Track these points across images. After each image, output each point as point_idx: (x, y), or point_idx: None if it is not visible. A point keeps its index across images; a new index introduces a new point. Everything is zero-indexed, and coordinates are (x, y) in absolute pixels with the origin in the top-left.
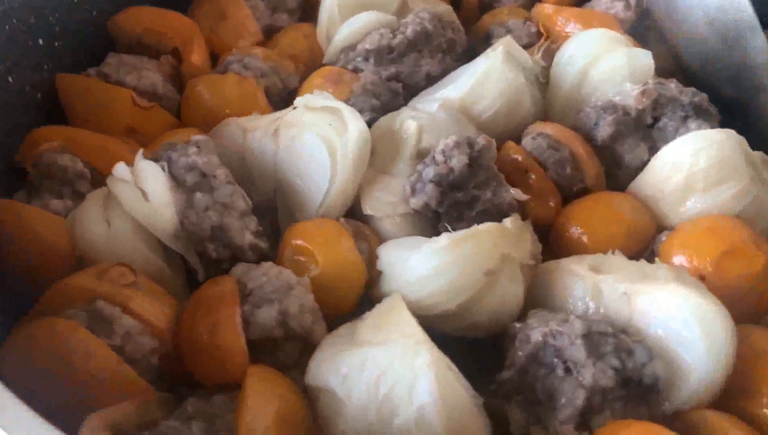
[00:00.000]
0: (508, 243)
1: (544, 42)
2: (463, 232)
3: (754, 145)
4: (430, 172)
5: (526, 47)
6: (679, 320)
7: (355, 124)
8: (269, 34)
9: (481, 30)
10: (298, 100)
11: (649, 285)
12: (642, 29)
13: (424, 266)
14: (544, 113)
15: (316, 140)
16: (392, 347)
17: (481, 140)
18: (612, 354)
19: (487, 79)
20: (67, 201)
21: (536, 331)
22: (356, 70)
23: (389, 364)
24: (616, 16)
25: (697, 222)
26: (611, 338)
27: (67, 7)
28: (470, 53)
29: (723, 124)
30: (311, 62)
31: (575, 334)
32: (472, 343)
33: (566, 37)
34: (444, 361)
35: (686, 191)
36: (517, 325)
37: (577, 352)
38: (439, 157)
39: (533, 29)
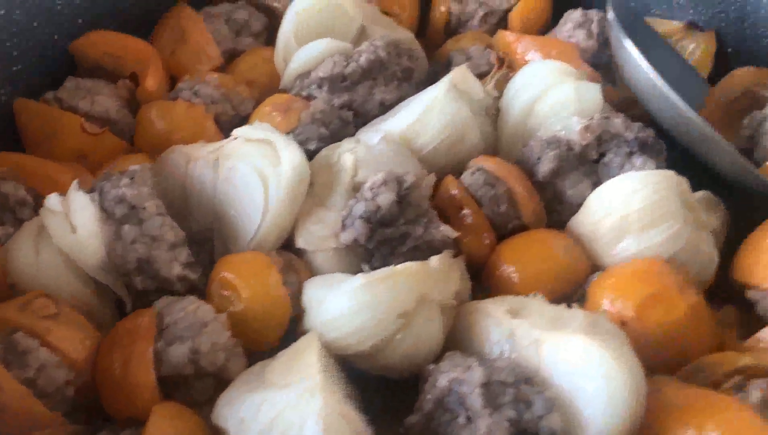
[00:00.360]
0: (428, 283)
1: (496, 72)
2: (379, 273)
3: (703, 183)
4: (359, 208)
5: (484, 75)
6: (581, 372)
7: (288, 158)
8: (232, 57)
9: (444, 55)
10: (237, 131)
11: (558, 333)
12: (605, 58)
13: (338, 307)
14: (495, 145)
15: (251, 172)
16: (289, 392)
17: (410, 178)
18: (509, 405)
19: (429, 112)
20: (9, 228)
21: (444, 375)
22: (310, 97)
23: (282, 409)
24: (577, 45)
25: (625, 265)
26: (511, 389)
27: (26, 32)
28: (432, 79)
29: (677, 158)
30: (270, 86)
31: (475, 383)
32: (396, 382)
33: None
34: (338, 408)
35: (620, 232)
36: (431, 367)
37: (476, 401)
38: (368, 194)
39: (493, 56)
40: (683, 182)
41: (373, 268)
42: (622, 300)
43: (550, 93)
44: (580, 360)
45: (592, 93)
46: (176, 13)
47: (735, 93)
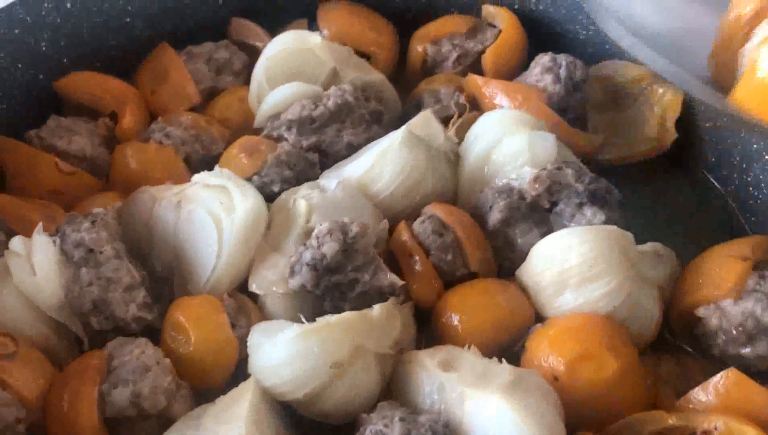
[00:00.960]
0: (365, 333)
1: (457, 119)
2: (314, 324)
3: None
4: (306, 256)
5: (452, 117)
6: (495, 432)
7: (242, 204)
8: (213, 95)
9: (418, 95)
10: (196, 177)
11: (480, 389)
12: (573, 102)
13: (273, 356)
14: (455, 190)
15: (206, 217)
16: None
17: (355, 227)
18: None
19: (385, 158)
20: None
21: (370, 427)
22: (280, 138)
23: None
24: (544, 90)
25: (561, 320)
26: None
27: (10, 72)
28: (405, 119)
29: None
30: (245, 125)
31: None
32: (340, 427)
33: (494, 108)
34: None
35: (559, 286)
36: (364, 416)
37: None
38: (314, 242)
39: (462, 99)
40: (626, 237)
41: (325, 313)
42: (555, 356)
43: (505, 142)
44: (494, 420)
45: (545, 143)
46: (159, 54)
47: None
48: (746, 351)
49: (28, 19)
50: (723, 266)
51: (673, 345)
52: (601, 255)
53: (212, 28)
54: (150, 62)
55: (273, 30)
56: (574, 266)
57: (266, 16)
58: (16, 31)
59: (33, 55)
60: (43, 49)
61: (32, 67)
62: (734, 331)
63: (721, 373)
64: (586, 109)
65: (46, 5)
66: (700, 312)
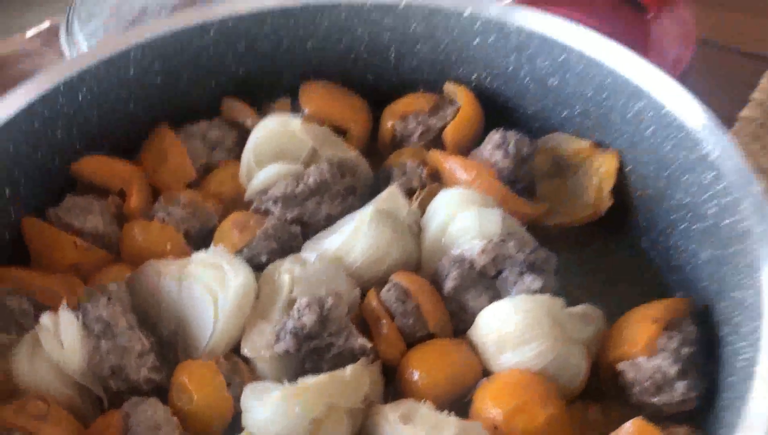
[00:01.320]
0: (338, 392)
1: (420, 193)
2: (295, 387)
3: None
4: (289, 325)
5: (416, 189)
6: None
7: (234, 281)
8: (208, 169)
9: (387, 168)
10: (194, 256)
11: None
12: (522, 173)
13: (262, 414)
14: (419, 258)
15: (203, 291)
16: None
17: (330, 300)
18: None
19: (356, 235)
20: (13, 335)
21: None
22: (267, 211)
23: None
24: (495, 164)
25: (501, 375)
26: None
27: (31, 159)
28: (377, 188)
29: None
30: (237, 198)
31: None
32: None
33: (455, 181)
34: None
35: (500, 347)
36: None
37: None
38: (295, 314)
39: (425, 173)
40: (556, 304)
41: (306, 372)
42: (495, 407)
43: (457, 218)
44: None
45: (492, 218)
46: (158, 135)
47: None
48: (656, 400)
49: (46, 112)
50: (638, 327)
51: (602, 394)
52: (533, 323)
53: (206, 108)
54: (151, 143)
55: (261, 107)
56: (511, 332)
57: (254, 96)
58: (36, 124)
59: (50, 143)
60: (59, 137)
61: (50, 153)
62: (647, 383)
63: (629, 422)
64: (535, 179)
65: (61, 100)
66: (620, 367)
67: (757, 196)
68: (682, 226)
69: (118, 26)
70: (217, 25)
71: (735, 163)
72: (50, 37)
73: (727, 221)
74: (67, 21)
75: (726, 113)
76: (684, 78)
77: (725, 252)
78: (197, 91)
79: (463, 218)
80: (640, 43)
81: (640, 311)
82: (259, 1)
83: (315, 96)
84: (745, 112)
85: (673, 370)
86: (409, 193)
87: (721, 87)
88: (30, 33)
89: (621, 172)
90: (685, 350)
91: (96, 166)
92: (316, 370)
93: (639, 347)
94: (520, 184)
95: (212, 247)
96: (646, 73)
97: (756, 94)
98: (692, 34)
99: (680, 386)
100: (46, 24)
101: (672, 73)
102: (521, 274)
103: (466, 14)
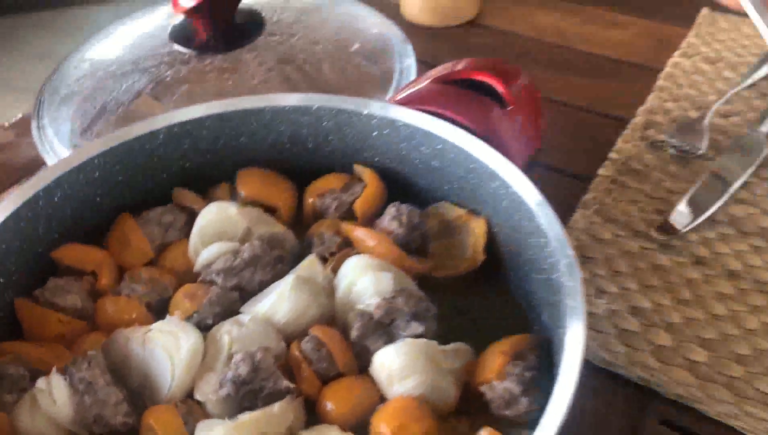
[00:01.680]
0: (269, 423)
1: (332, 260)
2: (234, 422)
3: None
4: (229, 375)
5: (332, 255)
6: None
7: (185, 344)
8: (163, 248)
9: (309, 237)
10: (153, 326)
11: None
12: (415, 237)
13: None
14: (332, 314)
15: (162, 353)
16: None
17: (260, 354)
18: None
19: (282, 299)
20: (14, 396)
21: None
22: (212, 282)
23: None
24: (392, 232)
25: (390, 402)
26: None
27: (19, 251)
28: (302, 255)
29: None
30: (188, 271)
31: None
32: None
33: (362, 247)
34: None
35: (390, 381)
36: None
37: None
38: (233, 366)
39: (338, 242)
40: (431, 344)
41: (245, 409)
42: (384, 426)
43: (359, 280)
44: None
45: (386, 280)
46: (121, 223)
47: None
48: (507, 412)
49: (29, 214)
50: (493, 358)
51: (471, 410)
52: (412, 361)
53: (161, 197)
54: (115, 230)
55: (206, 193)
56: (395, 369)
57: (200, 184)
58: (22, 224)
59: (34, 237)
60: (41, 232)
61: (34, 245)
62: (499, 401)
63: (482, 429)
64: (427, 240)
65: (41, 203)
66: (482, 389)
67: (570, 258)
68: (532, 276)
69: (84, 121)
70: (165, 131)
71: (557, 232)
72: (24, 128)
73: (554, 276)
74: (37, 115)
75: (587, 170)
76: (537, 157)
77: (553, 299)
78: (152, 184)
79: (364, 280)
80: (499, 131)
81: (496, 346)
82: (198, 110)
83: (249, 181)
84: (602, 171)
85: (518, 389)
86: (326, 258)
87: (583, 146)
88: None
89: (490, 233)
90: (527, 374)
91: (72, 253)
92: (252, 407)
93: (493, 374)
94: (413, 246)
95: (168, 315)
96: (497, 160)
97: (612, 154)
98: (542, 123)
99: (524, 401)
100: (18, 115)
101: (527, 154)
102: (408, 322)
103: (365, 113)
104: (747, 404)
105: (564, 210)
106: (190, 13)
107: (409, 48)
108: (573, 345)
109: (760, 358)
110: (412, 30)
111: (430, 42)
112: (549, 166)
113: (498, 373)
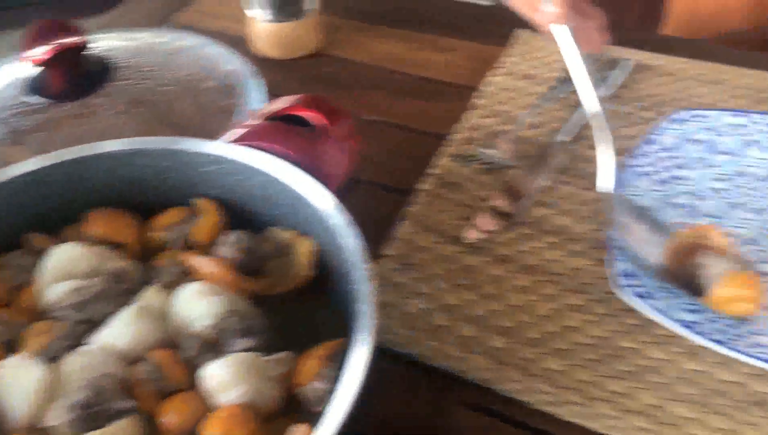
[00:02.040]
0: None
1: (172, 288)
2: None
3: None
4: (75, 400)
5: (175, 282)
6: None
7: (33, 376)
8: (18, 289)
9: (153, 267)
10: (7, 362)
11: None
12: (251, 260)
13: None
14: (170, 336)
15: (9, 386)
16: None
17: (102, 379)
18: None
19: (124, 325)
20: None
21: None
22: (63, 318)
23: None
24: (229, 257)
25: (217, 410)
26: None
27: None
28: (148, 285)
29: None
30: (40, 309)
31: None
32: None
33: (201, 274)
34: None
35: (219, 390)
36: None
37: None
38: (78, 392)
39: (180, 270)
40: (253, 356)
41: (91, 429)
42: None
43: (193, 305)
44: None
45: (217, 303)
46: None
47: None
48: (321, 409)
49: None
50: (310, 362)
51: (296, 409)
52: (237, 372)
53: (12, 242)
54: None
55: (56, 235)
56: (222, 380)
57: (52, 227)
58: None
59: None
60: None
61: None
62: (315, 399)
63: (296, 425)
64: (264, 261)
65: None
66: (299, 390)
67: (364, 274)
68: (346, 288)
69: None
70: (19, 180)
71: (355, 247)
72: None
73: (356, 286)
74: None
75: (409, 184)
76: (362, 175)
77: (357, 306)
78: (5, 232)
79: (199, 305)
80: (318, 158)
81: (314, 351)
82: (44, 160)
83: (96, 221)
84: (421, 185)
85: (329, 388)
86: (170, 285)
87: (405, 163)
88: None
89: (317, 252)
90: (338, 374)
91: None
92: (99, 427)
93: (310, 376)
94: (251, 268)
95: (21, 352)
96: (308, 187)
97: (431, 169)
98: (358, 146)
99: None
100: None
101: (345, 174)
102: (239, 338)
103: (196, 151)
104: (535, 380)
105: (388, 222)
106: (41, 63)
107: (260, 81)
108: (360, 345)
109: (548, 340)
110: (264, 63)
111: (279, 73)
112: (374, 182)
113: (313, 375)
